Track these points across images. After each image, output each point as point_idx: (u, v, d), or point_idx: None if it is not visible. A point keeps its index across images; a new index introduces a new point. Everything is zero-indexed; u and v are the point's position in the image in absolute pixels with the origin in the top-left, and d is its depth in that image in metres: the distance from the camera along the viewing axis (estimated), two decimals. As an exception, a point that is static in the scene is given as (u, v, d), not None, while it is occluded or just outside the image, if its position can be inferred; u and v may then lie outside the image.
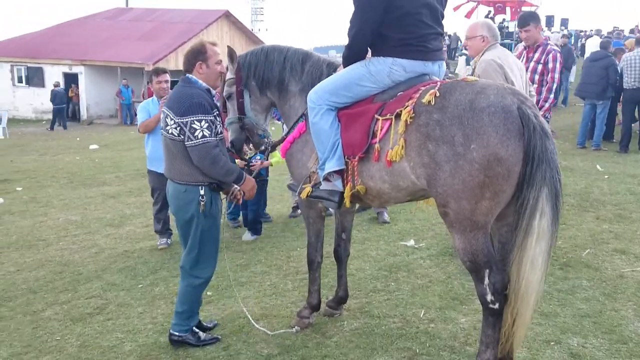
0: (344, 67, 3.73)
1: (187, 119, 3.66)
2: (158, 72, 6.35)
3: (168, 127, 3.75)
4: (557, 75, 6.17)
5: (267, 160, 5.65)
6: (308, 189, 3.78)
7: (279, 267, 5.53)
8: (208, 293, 4.99)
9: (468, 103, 2.99)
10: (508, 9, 29.42)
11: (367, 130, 3.46)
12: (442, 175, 3.03)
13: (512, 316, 3.11)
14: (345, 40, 3.64)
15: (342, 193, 3.65)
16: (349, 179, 3.61)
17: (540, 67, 6.28)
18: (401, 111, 3.26)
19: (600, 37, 16.57)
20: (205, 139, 3.67)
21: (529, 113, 2.95)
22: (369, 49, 3.63)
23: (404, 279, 5.00)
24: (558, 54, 6.27)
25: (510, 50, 19.65)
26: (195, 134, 3.66)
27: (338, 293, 4.37)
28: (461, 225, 3.08)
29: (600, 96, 10.65)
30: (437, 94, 3.12)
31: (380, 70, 3.52)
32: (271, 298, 4.81)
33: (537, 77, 6.21)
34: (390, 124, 3.35)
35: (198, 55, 3.86)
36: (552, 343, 3.79)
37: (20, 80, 29.25)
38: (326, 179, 3.66)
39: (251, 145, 4.33)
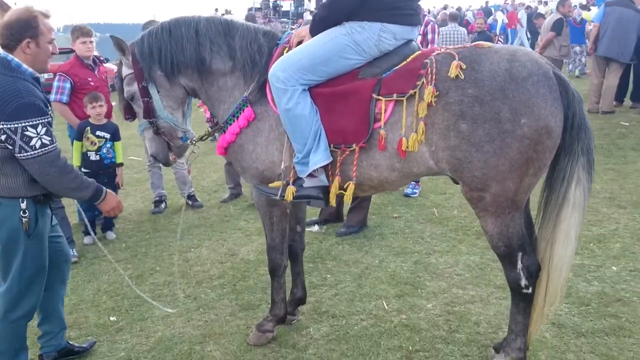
0: (314, 32, 3.06)
1: (16, 125, 2.79)
2: None
3: None
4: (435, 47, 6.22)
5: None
6: (291, 189, 3.08)
7: (185, 274, 4.66)
8: (112, 318, 4.01)
9: (506, 73, 2.64)
10: None
11: (366, 113, 2.88)
12: (480, 157, 2.65)
13: (543, 296, 2.91)
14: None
15: (327, 188, 3.07)
16: (337, 172, 3.03)
17: (419, 38, 6.28)
18: (415, 93, 2.78)
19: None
20: (46, 147, 2.86)
21: (564, 78, 2.74)
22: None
23: (337, 269, 4.56)
24: (436, 26, 6.32)
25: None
26: (32, 143, 2.82)
27: (296, 294, 3.77)
28: (499, 208, 2.76)
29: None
30: (463, 66, 2.71)
31: (367, 38, 2.94)
32: (199, 313, 3.99)
33: (415, 48, 6.19)
34: (395, 104, 2.85)
35: (27, 29, 2.91)
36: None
37: None
38: (310, 174, 3.04)
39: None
